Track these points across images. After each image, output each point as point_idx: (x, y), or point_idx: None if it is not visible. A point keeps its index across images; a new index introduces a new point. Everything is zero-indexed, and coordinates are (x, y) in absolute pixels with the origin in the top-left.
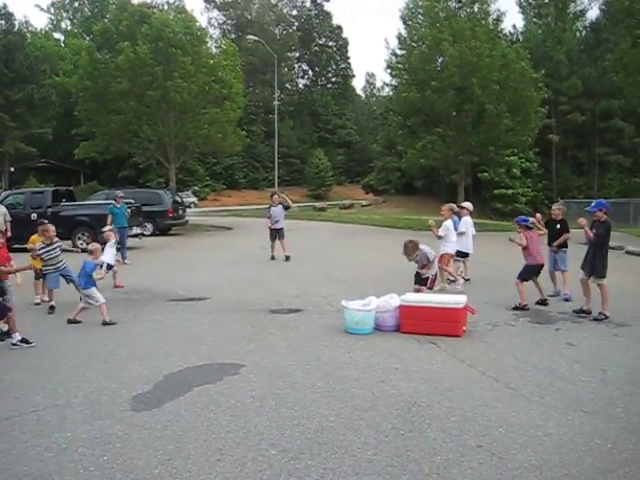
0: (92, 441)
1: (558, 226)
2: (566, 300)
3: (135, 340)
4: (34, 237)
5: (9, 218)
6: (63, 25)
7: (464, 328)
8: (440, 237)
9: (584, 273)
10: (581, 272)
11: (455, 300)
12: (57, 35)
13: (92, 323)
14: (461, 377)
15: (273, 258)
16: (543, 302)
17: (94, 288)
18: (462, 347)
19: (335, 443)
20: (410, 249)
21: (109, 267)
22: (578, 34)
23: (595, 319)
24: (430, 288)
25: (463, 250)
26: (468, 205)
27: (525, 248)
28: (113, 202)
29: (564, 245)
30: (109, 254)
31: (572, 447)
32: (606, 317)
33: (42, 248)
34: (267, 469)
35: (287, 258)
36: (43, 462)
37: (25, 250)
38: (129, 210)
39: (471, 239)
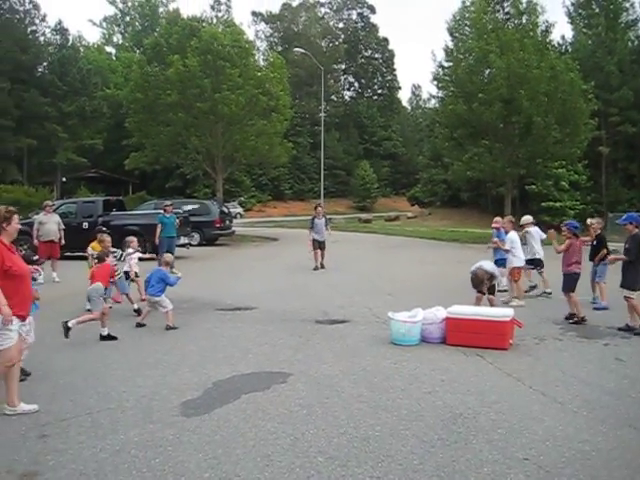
0: (144, 444)
1: (595, 242)
2: (595, 309)
3: (184, 348)
4: (94, 244)
5: (62, 227)
6: (115, 39)
7: (511, 341)
8: (508, 250)
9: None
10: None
11: (502, 313)
12: (109, 49)
13: (143, 331)
14: (507, 390)
15: (316, 268)
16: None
17: (164, 295)
18: (508, 360)
19: (382, 452)
20: (477, 283)
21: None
22: (630, 44)
23: (637, 333)
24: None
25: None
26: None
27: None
28: (162, 212)
29: (603, 258)
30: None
31: (621, 463)
32: (629, 329)
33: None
34: (315, 475)
35: (322, 266)
36: (98, 462)
37: (79, 257)
38: (178, 220)
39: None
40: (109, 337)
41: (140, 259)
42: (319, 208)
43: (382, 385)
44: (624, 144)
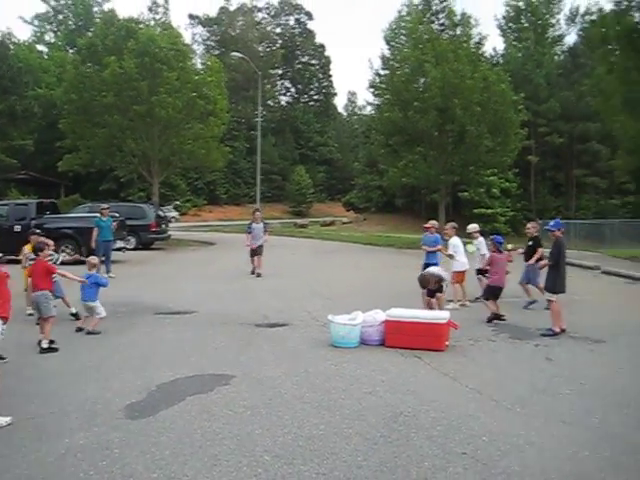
0: (90, 447)
1: (530, 243)
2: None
3: (125, 351)
4: (28, 247)
5: None
6: (47, 37)
7: (447, 343)
8: (452, 256)
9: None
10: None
11: (438, 316)
12: (40, 47)
13: (83, 335)
14: (445, 389)
15: (253, 273)
16: (498, 318)
17: (98, 301)
18: (445, 361)
19: (326, 450)
20: (424, 284)
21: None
22: (557, 58)
23: (543, 334)
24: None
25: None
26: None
27: (488, 269)
28: (99, 215)
29: (539, 260)
30: None
31: (552, 454)
32: (554, 333)
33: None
34: (262, 473)
35: (258, 275)
36: (43, 467)
37: (11, 261)
38: (114, 223)
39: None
40: (50, 349)
41: (63, 263)
42: (257, 213)
43: (324, 386)
44: (551, 154)
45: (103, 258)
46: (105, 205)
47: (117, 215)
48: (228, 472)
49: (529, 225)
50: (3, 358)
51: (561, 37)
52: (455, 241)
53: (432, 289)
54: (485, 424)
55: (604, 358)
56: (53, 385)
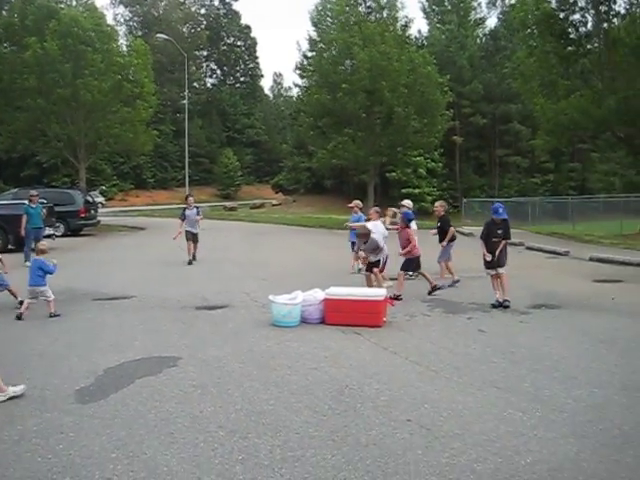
0: (44, 432)
1: (439, 223)
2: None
3: (68, 338)
4: None
5: None
6: None
7: (385, 319)
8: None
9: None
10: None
11: (376, 293)
12: None
13: (25, 323)
14: (386, 363)
15: (190, 262)
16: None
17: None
18: (384, 336)
19: (278, 423)
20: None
21: None
22: (479, 40)
23: (506, 306)
24: (381, 271)
25: None
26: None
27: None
28: (27, 202)
29: (451, 239)
30: None
31: (489, 417)
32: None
33: None
34: (219, 448)
35: (191, 262)
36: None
37: None
38: (44, 210)
39: None
40: None
41: None
42: (190, 198)
43: (269, 364)
44: (475, 134)
45: (33, 246)
46: (34, 192)
47: (45, 202)
48: (186, 449)
49: (437, 204)
50: None
51: (483, 20)
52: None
53: (371, 262)
54: (426, 393)
55: (532, 328)
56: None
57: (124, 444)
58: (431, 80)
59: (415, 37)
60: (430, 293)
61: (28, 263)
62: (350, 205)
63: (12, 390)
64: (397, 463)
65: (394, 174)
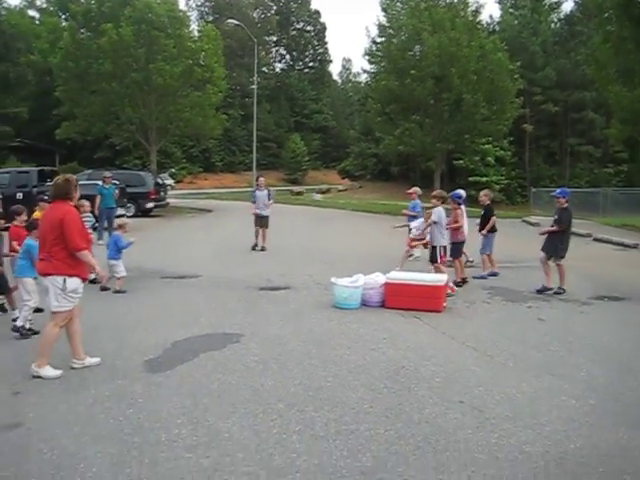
0: (116, 397)
1: (483, 212)
2: (474, 277)
3: (138, 312)
4: (37, 213)
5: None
6: (38, 2)
7: (444, 304)
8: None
9: (545, 255)
10: (541, 253)
11: (437, 278)
12: (32, 12)
13: (97, 296)
14: (443, 346)
15: (254, 248)
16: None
17: (120, 260)
18: (443, 321)
19: (335, 399)
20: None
21: None
22: (553, 26)
23: (555, 293)
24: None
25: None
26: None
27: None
28: (101, 183)
29: (491, 230)
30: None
31: (541, 402)
32: (564, 291)
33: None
34: (277, 419)
35: (263, 249)
36: (75, 414)
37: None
38: (117, 191)
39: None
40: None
41: None
42: (261, 179)
43: (329, 343)
44: (546, 122)
45: (106, 225)
46: (108, 173)
47: (117, 183)
48: (246, 418)
49: (481, 193)
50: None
51: (558, 4)
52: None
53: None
54: (480, 377)
55: (592, 318)
56: None
57: (189, 411)
58: (501, 67)
59: (486, 22)
60: (456, 284)
61: (101, 241)
62: (409, 191)
63: (89, 360)
64: (447, 441)
65: (461, 162)
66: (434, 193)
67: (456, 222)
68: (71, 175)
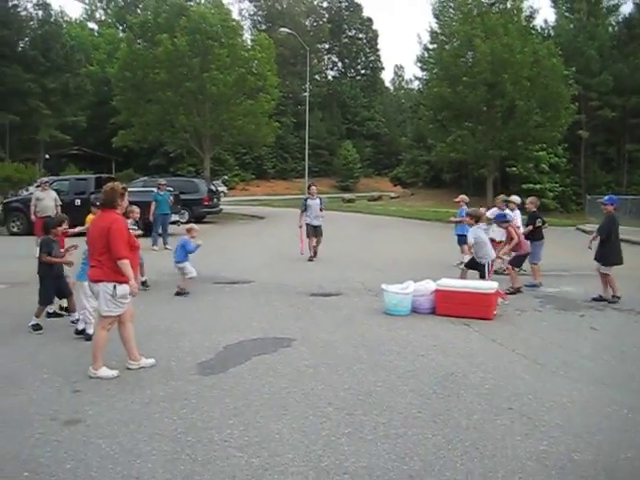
0: (170, 397)
1: (527, 219)
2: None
3: (191, 316)
4: (89, 217)
5: (59, 202)
6: (97, 15)
7: (495, 312)
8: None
9: (597, 263)
10: (595, 262)
11: (487, 286)
12: (91, 25)
13: (151, 300)
14: (493, 353)
15: (311, 259)
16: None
17: (188, 262)
18: (493, 329)
19: (384, 403)
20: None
21: None
22: (610, 29)
23: (609, 302)
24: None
25: None
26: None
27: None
28: (156, 190)
29: (535, 238)
30: None
31: (593, 412)
32: (618, 298)
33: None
34: (327, 422)
35: (311, 258)
36: (132, 412)
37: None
38: (171, 198)
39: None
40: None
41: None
42: (313, 188)
43: (379, 349)
44: (603, 128)
45: (160, 231)
46: (162, 180)
47: (172, 189)
48: (296, 420)
49: (528, 200)
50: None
51: (616, 7)
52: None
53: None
54: (530, 384)
55: None
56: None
57: (240, 412)
58: (555, 73)
59: (540, 27)
60: (510, 292)
61: (156, 247)
62: (456, 200)
63: (144, 361)
64: (495, 447)
65: (514, 169)
66: (470, 212)
67: (512, 239)
68: (117, 183)
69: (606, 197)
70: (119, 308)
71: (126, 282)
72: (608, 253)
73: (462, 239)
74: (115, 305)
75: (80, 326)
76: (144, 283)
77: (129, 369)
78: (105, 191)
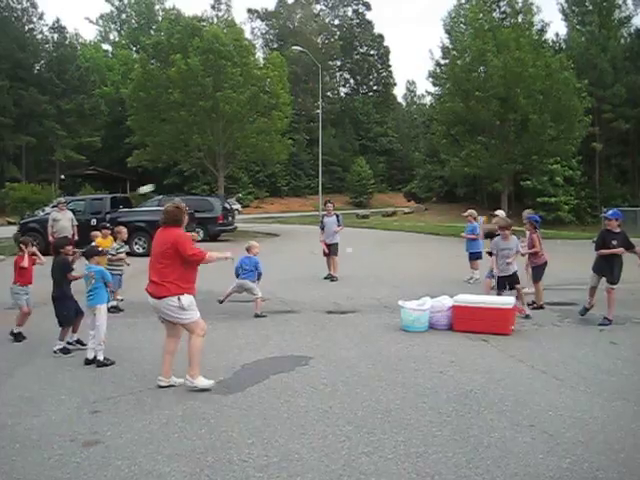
0: (189, 417)
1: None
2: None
3: (208, 336)
4: (99, 240)
5: (75, 222)
6: (111, 37)
7: (513, 327)
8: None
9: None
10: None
11: (505, 301)
12: (105, 46)
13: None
14: (511, 369)
15: (331, 279)
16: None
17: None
18: (511, 344)
19: (403, 422)
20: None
21: None
22: (623, 41)
23: (600, 324)
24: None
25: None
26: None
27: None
28: None
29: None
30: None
31: (615, 428)
32: (610, 322)
33: (120, 247)
34: (346, 441)
35: (332, 279)
36: (150, 433)
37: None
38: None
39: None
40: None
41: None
42: (329, 205)
43: (397, 366)
44: (617, 140)
45: None
46: (178, 199)
47: (187, 208)
48: (315, 439)
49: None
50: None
51: (628, 18)
52: None
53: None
54: (551, 400)
55: None
56: (146, 364)
57: (259, 432)
58: (568, 86)
59: (552, 41)
60: (534, 308)
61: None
62: (464, 214)
63: (174, 380)
64: (518, 465)
65: (529, 182)
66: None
67: (534, 246)
68: (180, 201)
69: (610, 212)
70: (194, 311)
71: (187, 293)
72: (617, 268)
73: (474, 255)
74: (188, 311)
75: (89, 355)
76: (116, 307)
77: (160, 387)
78: (170, 210)
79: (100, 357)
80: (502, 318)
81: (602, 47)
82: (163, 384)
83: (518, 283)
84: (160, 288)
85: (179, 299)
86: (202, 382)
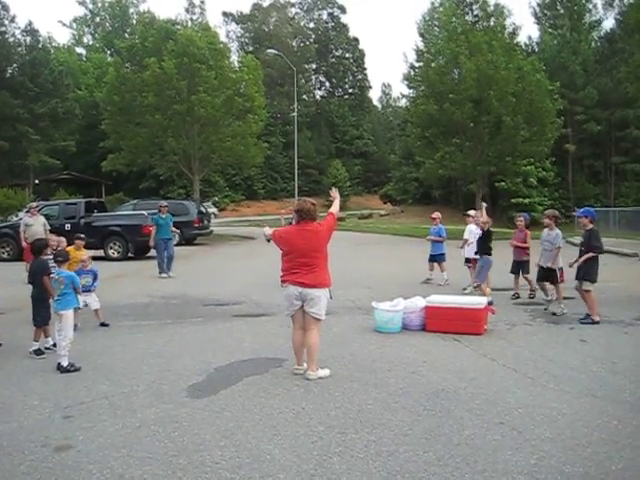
0: (161, 421)
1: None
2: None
3: (181, 339)
4: (70, 248)
5: (48, 227)
6: (85, 40)
7: (485, 327)
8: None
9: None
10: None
11: (477, 301)
12: (79, 50)
13: (140, 325)
14: (483, 369)
15: None
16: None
17: None
18: (483, 344)
19: (375, 421)
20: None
21: None
22: (593, 44)
23: (582, 320)
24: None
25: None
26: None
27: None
28: (157, 212)
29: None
30: None
31: (583, 424)
32: (593, 322)
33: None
34: (318, 441)
35: None
36: (123, 437)
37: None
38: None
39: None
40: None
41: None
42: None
43: (370, 367)
44: (589, 142)
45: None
46: (164, 202)
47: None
48: (287, 440)
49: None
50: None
51: (598, 22)
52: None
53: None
54: (520, 398)
55: (636, 340)
56: (120, 369)
57: (232, 434)
58: (540, 88)
59: (525, 44)
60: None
61: (164, 275)
62: (432, 216)
63: (322, 372)
64: (486, 462)
65: (503, 184)
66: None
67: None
68: (312, 200)
69: (581, 210)
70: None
71: None
72: (591, 269)
73: (439, 257)
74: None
75: (64, 363)
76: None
77: (308, 379)
78: (306, 208)
79: (64, 363)
80: (474, 318)
81: (573, 50)
82: (312, 377)
83: (557, 280)
84: (319, 278)
85: (330, 291)
86: (323, 373)
